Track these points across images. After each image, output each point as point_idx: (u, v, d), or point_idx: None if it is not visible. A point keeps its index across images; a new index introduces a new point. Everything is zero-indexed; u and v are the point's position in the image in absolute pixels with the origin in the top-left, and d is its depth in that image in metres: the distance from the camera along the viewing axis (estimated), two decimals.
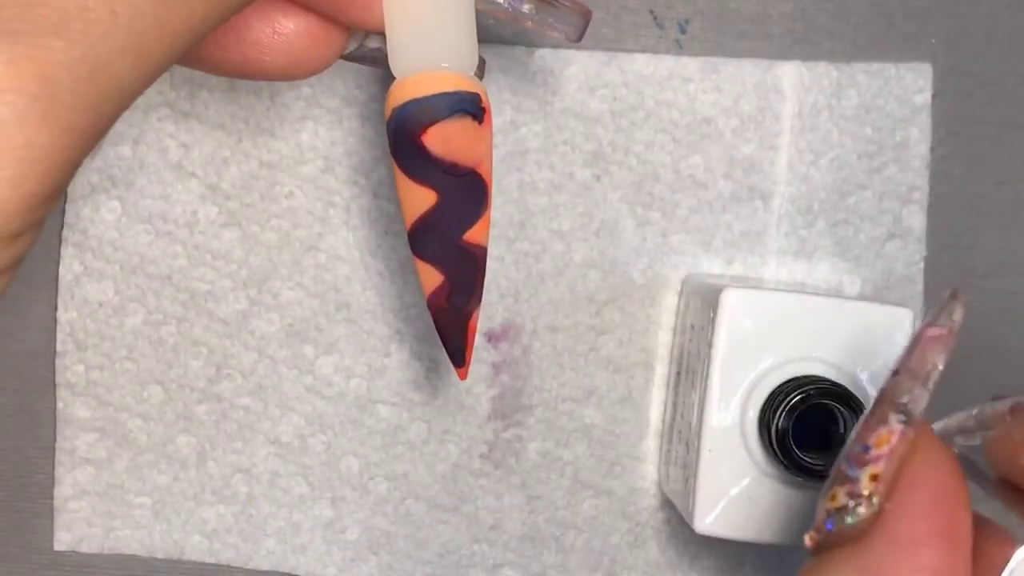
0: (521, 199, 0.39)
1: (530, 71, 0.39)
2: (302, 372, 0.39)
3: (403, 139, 0.29)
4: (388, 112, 0.29)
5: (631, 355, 0.40)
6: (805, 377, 0.33)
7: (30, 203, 0.21)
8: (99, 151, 0.38)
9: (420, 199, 0.30)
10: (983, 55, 0.39)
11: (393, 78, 0.29)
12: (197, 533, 0.40)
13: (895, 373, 0.25)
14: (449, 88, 0.29)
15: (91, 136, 0.22)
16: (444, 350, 0.33)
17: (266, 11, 0.28)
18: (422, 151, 0.29)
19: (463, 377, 0.33)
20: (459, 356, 0.33)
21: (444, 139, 0.29)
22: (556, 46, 0.38)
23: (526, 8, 0.30)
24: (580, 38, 0.30)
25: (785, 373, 0.34)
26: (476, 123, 0.29)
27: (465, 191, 0.30)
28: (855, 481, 0.24)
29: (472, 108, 0.29)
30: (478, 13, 0.29)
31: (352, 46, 0.30)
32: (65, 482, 0.39)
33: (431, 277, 0.31)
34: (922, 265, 0.39)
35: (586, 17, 0.30)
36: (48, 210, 0.22)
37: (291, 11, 0.28)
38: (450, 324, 0.32)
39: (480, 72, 0.32)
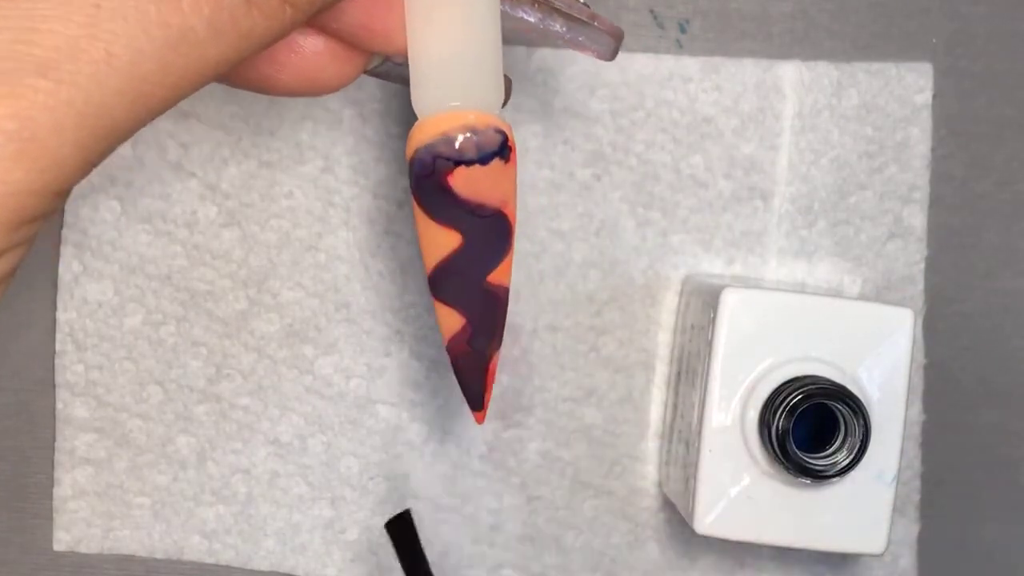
0: (521, 199, 0.39)
1: (530, 71, 0.38)
2: (302, 372, 0.39)
3: (427, 181, 0.28)
4: (410, 152, 0.28)
5: (631, 355, 0.39)
6: (805, 377, 0.33)
7: (4, 228, 0.21)
8: None
9: (443, 241, 0.29)
10: (983, 55, 0.39)
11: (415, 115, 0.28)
12: (196, 533, 0.40)
13: None
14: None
15: (77, 170, 0.22)
16: (461, 392, 0.32)
17: None
18: (448, 193, 0.28)
19: (480, 421, 0.32)
20: (477, 400, 0.32)
21: (471, 180, 0.28)
22: (556, 46, 0.38)
23: (558, 26, 0.29)
24: (613, 57, 0.30)
25: (785, 373, 0.34)
26: (503, 162, 0.28)
27: (490, 232, 0.29)
28: None
29: (500, 148, 0.28)
30: (508, 29, 0.29)
31: (376, 61, 0.29)
32: (64, 482, 0.39)
33: (452, 321, 0.30)
34: (923, 265, 0.39)
35: (617, 38, 0.29)
36: (32, 231, 0.22)
37: (309, 31, 0.27)
38: (470, 368, 0.31)
39: (507, 93, 0.31)
